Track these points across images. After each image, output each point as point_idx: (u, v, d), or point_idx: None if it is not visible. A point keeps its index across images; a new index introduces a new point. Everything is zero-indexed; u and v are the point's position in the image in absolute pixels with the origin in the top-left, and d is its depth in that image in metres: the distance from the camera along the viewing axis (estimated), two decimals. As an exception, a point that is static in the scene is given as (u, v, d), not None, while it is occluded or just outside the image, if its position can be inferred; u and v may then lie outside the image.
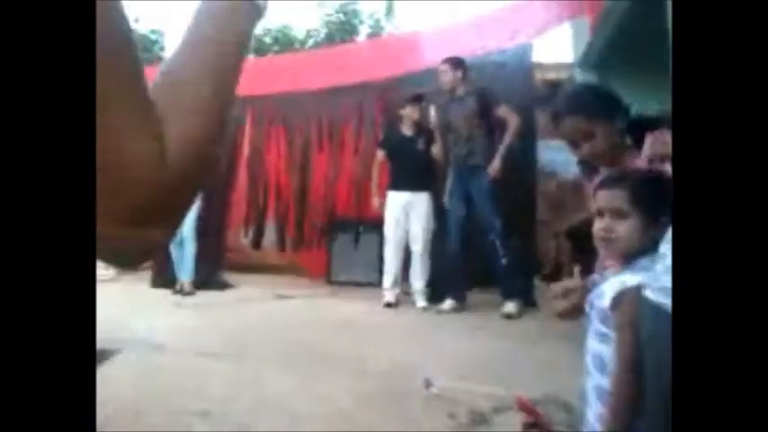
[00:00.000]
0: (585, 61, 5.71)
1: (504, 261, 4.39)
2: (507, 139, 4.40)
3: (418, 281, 4.83)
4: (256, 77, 5.98)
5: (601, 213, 1.35)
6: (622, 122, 1.66)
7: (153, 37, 12.29)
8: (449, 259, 4.61)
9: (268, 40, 12.96)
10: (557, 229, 5.57)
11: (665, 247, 1.17)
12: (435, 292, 4.78)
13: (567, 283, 1.67)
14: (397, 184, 4.88)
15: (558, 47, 7.30)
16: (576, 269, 1.74)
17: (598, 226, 1.35)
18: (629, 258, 1.31)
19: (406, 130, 4.93)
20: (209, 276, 5.61)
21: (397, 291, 4.90)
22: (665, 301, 1.08)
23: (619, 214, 1.31)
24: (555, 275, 5.47)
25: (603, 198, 1.35)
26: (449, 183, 4.67)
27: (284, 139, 6.15)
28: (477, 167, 4.45)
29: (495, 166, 4.37)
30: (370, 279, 5.70)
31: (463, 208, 4.54)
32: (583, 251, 5.12)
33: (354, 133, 5.93)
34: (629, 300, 1.24)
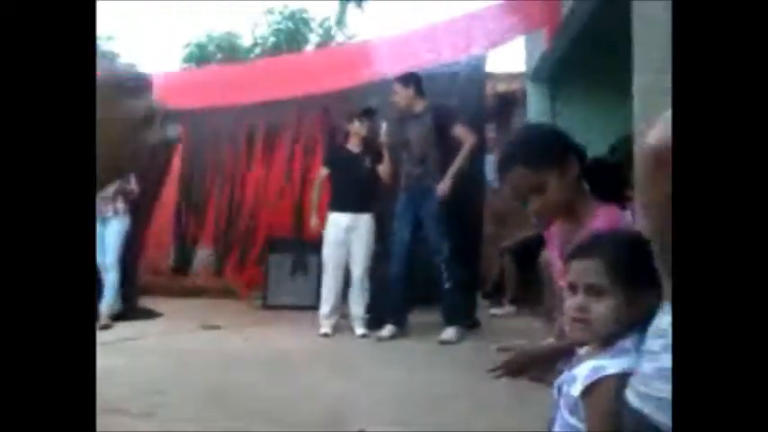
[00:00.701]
0: (538, 74, 5.56)
1: (447, 285, 4.22)
2: (459, 159, 4.22)
3: (357, 307, 4.55)
4: (191, 89, 5.57)
5: (573, 288, 1.12)
6: (576, 168, 1.44)
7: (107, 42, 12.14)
8: (391, 283, 4.39)
9: (211, 48, 12.44)
10: (501, 245, 5.42)
11: (659, 327, 0.94)
12: (375, 317, 4.52)
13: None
14: (339, 205, 4.58)
15: (511, 57, 7.10)
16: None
17: (570, 304, 1.11)
18: (607, 341, 1.09)
19: (353, 147, 4.63)
20: (129, 305, 5.11)
21: (335, 319, 4.60)
22: (648, 409, 0.89)
23: (594, 291, 1.08)
24: (496, 292, 5.36)
25: (576, 271, 1.12)
26: (398, 204, 4.42)
27: (218, 155, 5.69)
28: (429, 189, 4.25)
29: (445, 187, 4.19)
30: (309, 302, 5.33)
31: (409, 231, 4.34)
32: (525, 269, 5.00)
33: (290, 150, 5.54)
34: (606, 390, 1.02)
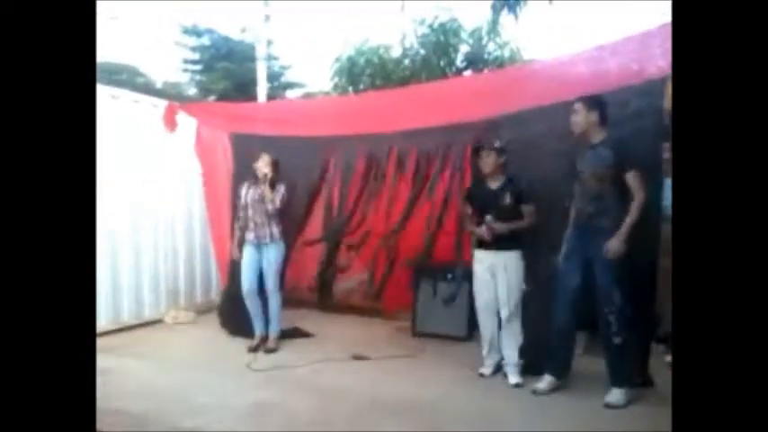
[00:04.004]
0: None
1: (616, 341, 3.71)
2: (634, 214, 3.65)
3: (510, 351, 4.25)
4: (340, 117, 5.56)
5: None
6: None
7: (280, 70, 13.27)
8: (556, 332, 3.95)
9: (361, 61, 12.60)
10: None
11: None
12: (532, 362, 4.16)
13: None
14: (481, 242, 4.30)
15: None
16: None
17: None
18: None
19: (491, 182, 4.30)
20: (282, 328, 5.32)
21: (496, 359, 4.39)
22: None
23: None
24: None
25: None
26: (565, 244, 3.95)
27: (364, 180, 5.62)
28: (604, 230, 3.71)
29: (616, 247, 3.64)
30: (459, 332, 5.31)
31: (579, 275, 3.82)
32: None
33: (440, 180, 5.32)
34: None
